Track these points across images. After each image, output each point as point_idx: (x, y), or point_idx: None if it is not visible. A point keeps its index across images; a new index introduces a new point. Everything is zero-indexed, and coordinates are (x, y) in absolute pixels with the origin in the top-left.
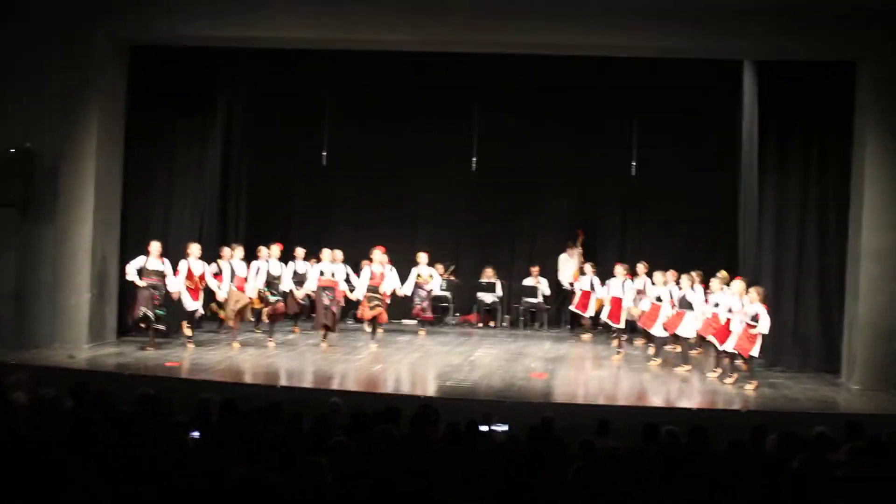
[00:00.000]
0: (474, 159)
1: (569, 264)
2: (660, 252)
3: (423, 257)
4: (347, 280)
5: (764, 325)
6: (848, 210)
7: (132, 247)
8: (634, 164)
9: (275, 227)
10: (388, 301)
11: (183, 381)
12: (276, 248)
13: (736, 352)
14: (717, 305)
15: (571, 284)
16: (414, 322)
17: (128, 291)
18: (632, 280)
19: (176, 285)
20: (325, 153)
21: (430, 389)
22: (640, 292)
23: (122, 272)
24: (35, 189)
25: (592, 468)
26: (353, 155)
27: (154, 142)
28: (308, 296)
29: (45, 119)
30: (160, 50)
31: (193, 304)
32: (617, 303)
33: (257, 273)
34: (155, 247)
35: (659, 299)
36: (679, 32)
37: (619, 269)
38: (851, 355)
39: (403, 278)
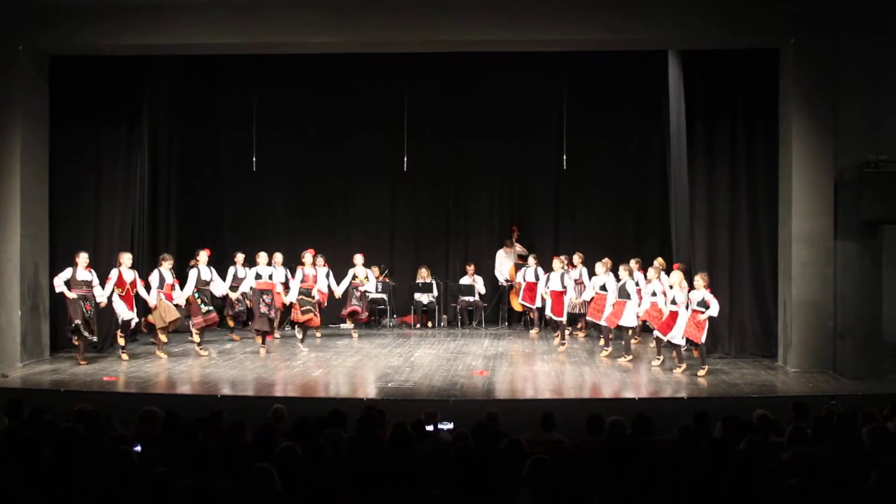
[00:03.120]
0: (405, 159)
1: (506, 261)
2: (594, 242)
3: (359, 258)
4: (286, 283)
5: (714, 309)
6: (777, 194)
7: (62, 261)
8: (565, 156)
9: (206, 235)
10: (325, 304)
11: (121, 395)
12: (203, 254)
13: (684, 342)
14: (653, 294)
15: (508, 281)
16: (350, 326)
17: (59, 306)
18: (569, 271)
19: (103, 294)
20: (254, 158)
21: (373, 392)
22: (578, 282)
23: (52, 287)
24: None
25: (544, 462)
26: (284, 159)
27: (79, 153)
28: (243, 297)
29: None
30: (82, 60)
31: (128, 314)
32: (558, 296)
33: (187, 279)
34: (83, 258)
35: (604, 288)
36: (602, 25)
37: (557, 263)
38: (787, 339)
39: (339, 281)
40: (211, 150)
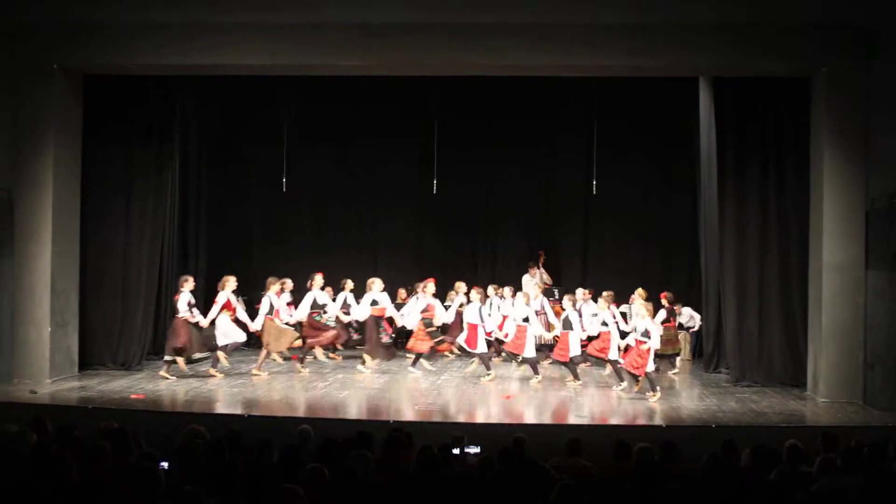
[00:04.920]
0: (435, 181)
1: (531, 285)
2: (622, 268)
3: (462, 286)
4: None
5: (654, 341)
6: (808, 223)
7: (91, 278)
8: (595, 182)
9: (234, 254)
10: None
11: (148, 412)
12: (319, 278)
13: (629, 370)
14: (604, 324)
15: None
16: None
17: (88, 322)
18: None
19: (208, 318)
20: (284, 178)
21: (400, 414)
22: (540, 313)
23: (83, 303)
24: None
25: (570, 488)
26: (314, 179)
27: (111, 170)
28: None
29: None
30: (114, 79)
31: (241, 336)
32: (473, 328)
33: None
34: (191, 281)
35: (526, 320)
36: (633, 51)
37: (475, 294)
38: (816, 368)
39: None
40: (241, 168)
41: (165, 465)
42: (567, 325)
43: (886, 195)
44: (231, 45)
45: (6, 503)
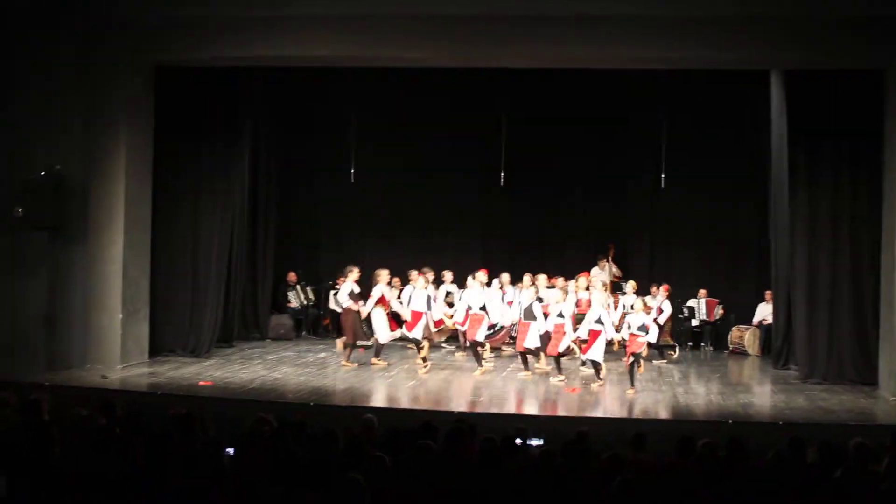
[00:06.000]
0: (502, 174)
1: (600, 278)
2: (689, 262)
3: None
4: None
5: (653, 335)
6: (881, 219)
7: (163, 267)
8: (664, 176)
9: (303, 246)
10: None
11: (215, 399)
12: (481, 274)
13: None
14: (560, 316)
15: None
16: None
17: (160, 309)
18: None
19: (366, 307)
20: (352, 170)
21: (463, 405)
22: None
23: (154, 291)
24: (65, 211)
25: (632, 482)
26: (381, 171)
27: (181, 162)
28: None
29: (74, 141)
30: (186, 71)
31: (389, 334)
32: (417, 316)
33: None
34: (356, 272)
35: (483, 308)
36: (703, 43)
37: (422, 280)
38: (890, 366)
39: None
40: (309, 160)
41: (231, 451)
42: (528, 314)
43: None
44: (300, 37)
45: (76, 485)
